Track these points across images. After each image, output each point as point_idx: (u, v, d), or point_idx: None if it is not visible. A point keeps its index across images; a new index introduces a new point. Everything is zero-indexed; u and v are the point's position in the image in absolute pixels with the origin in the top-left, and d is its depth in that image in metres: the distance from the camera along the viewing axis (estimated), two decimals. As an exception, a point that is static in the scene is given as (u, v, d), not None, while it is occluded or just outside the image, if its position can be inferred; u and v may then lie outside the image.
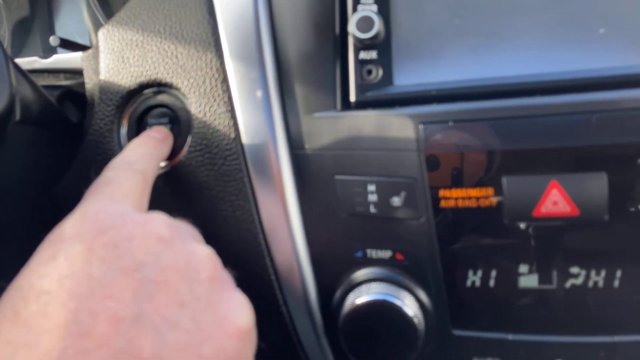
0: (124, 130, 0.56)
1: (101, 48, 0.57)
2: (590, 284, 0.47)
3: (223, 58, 0.53)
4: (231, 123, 0.53)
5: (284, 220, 0.52)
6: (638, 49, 0.46)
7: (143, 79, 0.55)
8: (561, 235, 0.46)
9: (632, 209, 0.44)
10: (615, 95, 0.44)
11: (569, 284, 0.47)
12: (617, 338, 0.48)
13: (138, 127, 0.56)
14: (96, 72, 0.57)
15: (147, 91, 0.56)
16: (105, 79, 0.56)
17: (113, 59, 0.56)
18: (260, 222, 0.53)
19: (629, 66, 0.45)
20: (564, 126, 0.44)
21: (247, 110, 0.52)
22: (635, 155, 0.44)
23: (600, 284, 0.47)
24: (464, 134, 0.47)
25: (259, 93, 0.52)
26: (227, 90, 0.53)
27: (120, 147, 0.56)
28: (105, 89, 0.56)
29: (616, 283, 0.46)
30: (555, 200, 0.45)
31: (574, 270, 0.47)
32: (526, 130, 0.45)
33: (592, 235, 0.45)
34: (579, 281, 0.47)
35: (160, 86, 0.55)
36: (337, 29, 0.53)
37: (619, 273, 0.46)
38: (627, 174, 0.44)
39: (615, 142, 0.44)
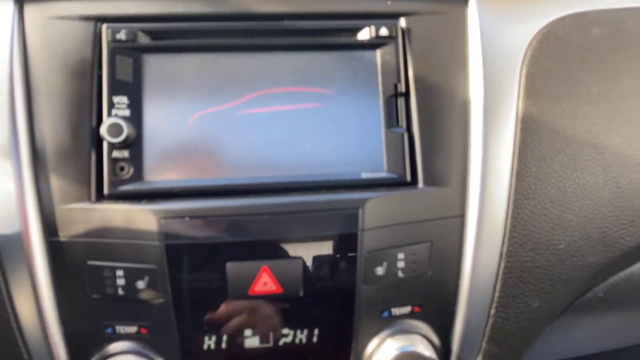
0: None
1: None
2: (297, 340, 0.61)
3: (-25, 150, 0.56)
4: (-18, 213, 0.56)
5: (34, 301, 0.56)
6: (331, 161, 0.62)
7: None
8: (272, 307, 0.59)
9: (320, 287, 0.59)
10: (303, 199, 0.58)
11: (282, 341, 0.61)
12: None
13: None
14: None
15: None
16: None
17: None
18: (12, 304, 0.56)
19: (315, 175, 0.60)
20: (270, 223, 0.58)
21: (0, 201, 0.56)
22: (327, 245, 0.59)
23: (304, 340, 0.61)
24: (196, 228, 0.57)
25: (12, 186, 0.56)
26: (-21, 181, 0.56)
27: None
28: None
29: (315, 339, 0.61)
30: (265, 282, 0.58)
31: (285, 331, 0.61)
32: (243, 225, 0.57)
33: (294, 305, 0.59)
34: (289, 339, 0.61)
35: None
36: (93, 129, 0.59)
37: (316, 331, 0.61)
38: (317, 260, 0.58)
39: (309, 235, 0.58)
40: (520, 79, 0.64)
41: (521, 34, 0.65)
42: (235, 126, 0.61)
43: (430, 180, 0.62)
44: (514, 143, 0.62)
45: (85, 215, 0.57)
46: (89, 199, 0.58)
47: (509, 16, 0.66)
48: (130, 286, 0.57)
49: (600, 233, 0.64)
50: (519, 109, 0.63)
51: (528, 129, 0.62)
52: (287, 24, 0.63)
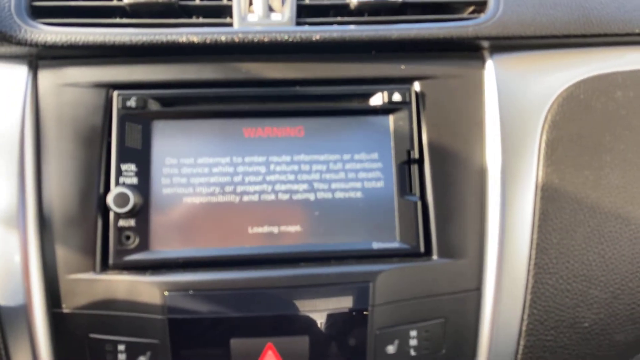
0: None
1: None
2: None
3: (-17, 220, 0.56)
4: (-13, 284, 0.55)
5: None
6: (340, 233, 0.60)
7: None
8: (278, 385, 0.57)
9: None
10: (311, 271, 0.56)
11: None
12: None
13: None
14: None
15: None
16: None
17: None
18: (14, 378, 0.55)
19: (324, 245, 0.58)
20: (277, 297, 0.56)
21: (4, 274, 0.55)
22: (336, 321, 0.56)
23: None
24: (200, 302, 0.55)
25: (17, 256, 0.55)
26: (-15, 252, 0.55)
27: None
28: None
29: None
30: (270, 360, 0.55)
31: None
32: (248, 300, 0.55)
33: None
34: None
35: None
36: (100, 197, 0.58)
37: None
38: (325, 338, 0.56)
39: (317, 310, 0.56)
40: (540, 145, 0.61)
41: (541, 98, 0.63)
42: (244, 195, 0.59)
43: (445, 252, 0.59)
44: (533, 213, 0.59)
45: (90, 287, 0.56)
46: (93, 269, 0.57)
47: (528, 79, 0.64)
48: (132, 361, 0.55)
49: (628, 310, 0.60)
50: (539, 177, 0.60)
51: (549, 198, 0.59)
52: (298, 89, 0.62)
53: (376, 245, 0.59)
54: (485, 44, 0.63)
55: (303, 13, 0.64)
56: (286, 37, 0.60)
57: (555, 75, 0.64)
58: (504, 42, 0.63)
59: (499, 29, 0.62)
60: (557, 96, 0.63)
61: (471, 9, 0.66)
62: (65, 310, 0.56)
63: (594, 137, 0.62)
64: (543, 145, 0.61)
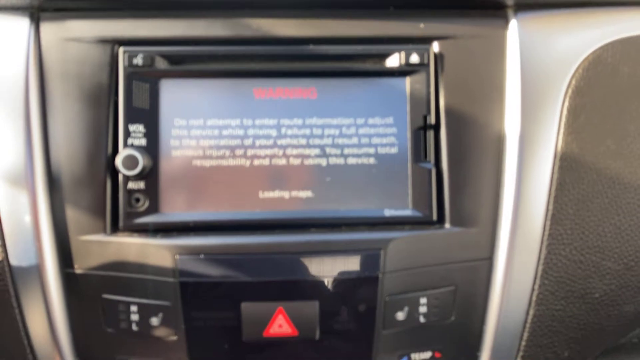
0: None
1: None
2: (313, 380, 0.60)
3: (-9, 180, 0.55)
4: (-1, 243, 0.55)
5: (50, 332, 0.56)
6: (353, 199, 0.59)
7: None
8: (286, 349, 0.58)
9: (337, 330, 0.57)
10: (322, 237, 0.56)
11: (296, 382, 0.60)
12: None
13: None
14: None
15: None
16: None
17: None
18: (28, 335, 0.56)
19: (335, 210, 0.57)
20: (288, 263, 0.56)
21: (15, 234, 0.55)
22: (346, 287, 0.56)
23: (320, 380, 0.60)
24: (211, 266, 0.55)
25: (28, 217, 0.55)
26: (-5, 211, 0.55)
27: None
28: None
29: (331, 380, 0.60)
30: (280, 324, 0.56)
31: (299, 371, 0.59)
32: (259, 265, 0.55)
33: (310, 348, 0.58)
34: (304, 379, 0.60)
35: None
36: (109, 159, 0.57)
37: (332, 372, 0.59)
38: (335, 303, 0.56)
39: (327, 276, 0.56)
40: (561, 112, 0.59)
41: (566, 61, 0.60)
42: (254, 158, 0.58)
43: (457, 220, 0.59)
44: (550, 183, 0.58)
45: (100, 248, 0.56)
46: (104, 231, 0.57)
47: (553, 40, 0.60)
48: (144, 322, 0.56)
49: (639, 281, 0.60)
50: (559, 145, 0.58)
51: (567, 167, 0.58)
52: (311, 48, 0.59)
53: (388, 213, 0.58)
54: (510, 1, 0.60)
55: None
56: (299, -9, 0.56)
57: (581, 36, 0.61)
58: (527, 0, 0.60)
59: (526, -15, 0.58)
60: (583, 60, 0.59)
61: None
62: (78, 271, 0.57)
63: (619, 104, 0.59)
64: (565, 112, 0.58)
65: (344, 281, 0.56)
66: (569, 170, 0.58)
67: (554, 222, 0.58)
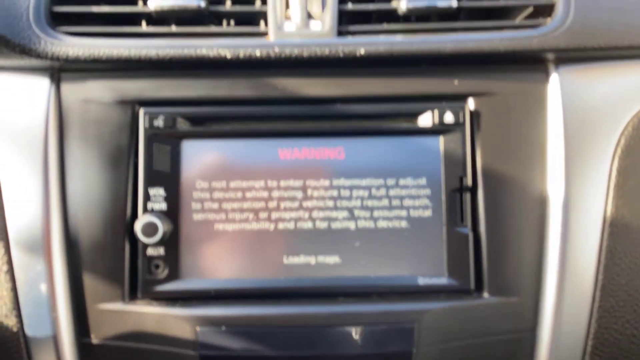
0: None
1: None
2: None
3: (10, 247, 0.53)
4: (14, 314, 0.53)
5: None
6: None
7: None
8: None
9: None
10: (351, 308, 0.52)
11: None
12: None
13: None
14: None
15: None
16: None
17: None
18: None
19: (365, 278, 0.54)
20: (314, 336, 0.52)
21: (31, 303, 0.53)
22: None
23: None
24: (234, 338, 0.52)
25: (44, 287, 0.53)
26: (12, 280, 0.53)
27: None
28: None
29: None
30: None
31: None
32: (283, 338, 0.52)
33: None
34: None
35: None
36: (128, 223, 0.55)
37: None
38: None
39: (356, 353, 0.52)
40: (610, 173, 0.54)
41: (613, 118, 0.56)
42: (279, 222, 0.55)
43: (496, 289, 0.54)
44: (599, 250, 0.53)
45: (118, 317, 0.54)
46: (122, 299, 0.54)
47: (598, 95, 0.56)
48: (162, 398, 0.53)
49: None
50: (608, 210, 0.54)
51: (618, 234, 0.53)
52: (338, 107, 0.56)
53: (422, 281, 0.54)
54: (551, 55, 0.56)
55: (345, 19, 0.57)
56: (327, 52, 0.54)
57: (630, 91, 0.57)
58: (572, 53, 0.56)
59: (569, 39, 0.54)
60: (633, 116, 0.55)
61: (529, 11, 0.58)
62: (94, 341, 0.54)
63: (673, 164, 0.54)
64: (614, 173, 0.54)
65: (374, 357, 0.52)
66: (620, 237, 0.53)
67: (605, 292, 0.53)
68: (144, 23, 0.59)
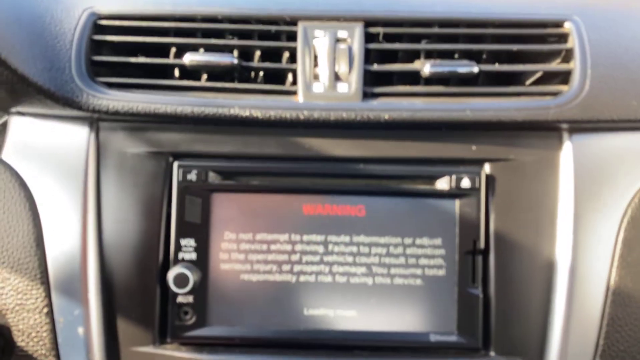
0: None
1: None
2: None
3: (50, 290, 0.57)
4: (53, 354, 0.57)
5: None
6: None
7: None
8: None
9: None
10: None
11: None
12: None
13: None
14: None
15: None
16: None
17: None
18: None
19: (379, 333, 0.58)
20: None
21: (68, 345, 0.57)
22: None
23: None
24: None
25: (81, 330, 0.57)
26: (52, 322, 0.57)
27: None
28: None
29: None
30: None
31: None
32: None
33: None
34: None
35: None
36: (159, 271, 0.59)
37: None
38: None
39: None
40: (616, 243, 0.57)
41: (622, 188, 0.59)
42: (300, 274, 0.59)
43: (503, 348, 0.58)
44: (601, 316, 0.57)
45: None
46: (153, 343, 0.58)
47: (609, 165, 0.59)
48: None
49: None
50: (611, 279, 0.57)
51: (620, 303, 0.56)
52: (361, 167, 0.59)
53: (434, 338, 0.58)
54: (565, 124, 0.59)
55: (369, 79, 0.60)
56: (353, 117, 0.57)
57: (638, 162, 0.59)
58: (586, 124, 0.58)
59: (584, 111, 0.57)
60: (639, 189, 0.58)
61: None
62: (127, 383, 0.58)
63: (677, 238, 0.57)
64: (619, 244, 0.57)
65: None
66: (622, 305, 0.56)
67: (605, 357, 0.56)
68: (176, 71, 0.62)
